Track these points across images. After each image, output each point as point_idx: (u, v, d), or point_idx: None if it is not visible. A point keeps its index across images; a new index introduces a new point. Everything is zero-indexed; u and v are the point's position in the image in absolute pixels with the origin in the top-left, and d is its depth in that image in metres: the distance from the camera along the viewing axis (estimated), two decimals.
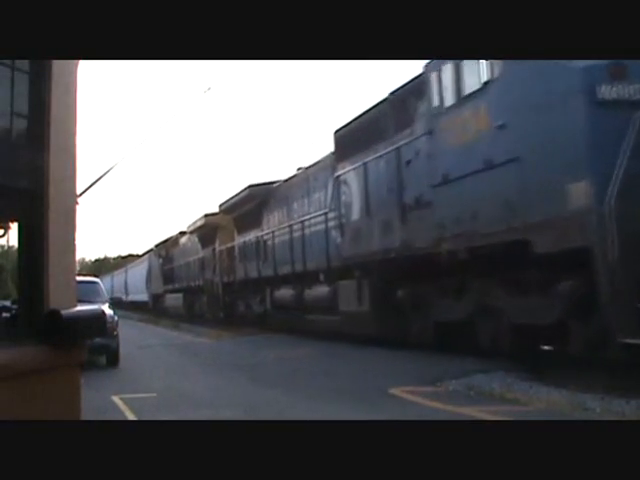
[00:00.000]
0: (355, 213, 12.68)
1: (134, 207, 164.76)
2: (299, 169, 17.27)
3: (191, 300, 28.79)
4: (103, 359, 11.46)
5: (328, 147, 14.96)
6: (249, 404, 6.99)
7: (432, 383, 7.93)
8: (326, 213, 14.23)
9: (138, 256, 48.84)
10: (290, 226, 16.53)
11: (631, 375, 6.59)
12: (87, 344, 1.96)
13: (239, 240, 21.65)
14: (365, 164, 12.06)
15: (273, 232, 17.95)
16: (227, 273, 22.83)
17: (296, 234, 16.09)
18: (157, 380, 9.56)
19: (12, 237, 1.95)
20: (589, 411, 5.94)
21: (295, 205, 16.69)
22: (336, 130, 13.86)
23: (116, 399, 7.59)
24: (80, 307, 1.91)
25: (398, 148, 10.74)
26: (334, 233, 13.80)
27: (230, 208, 22.37)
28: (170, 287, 32.83)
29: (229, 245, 22.81)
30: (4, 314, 1.93)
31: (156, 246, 38.01)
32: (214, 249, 24.71)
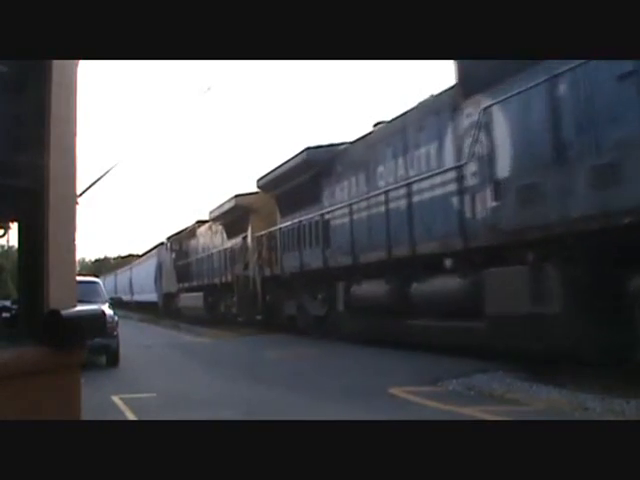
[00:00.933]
0: (528, 161, 7.97)
1: (134, 207, 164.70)
2: (377, 124, 12.96)
3: (215, 300, 24.32)
4: (103, 359, 11.46)
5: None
6: (249, 404, 7.00)
7: (432, 383, 7.93)
8: (460, 167, 9.43)
9: (138, 256, 47.58)
10: (384, 193, 11.65)
11: (631, 375, 6.59)
12: (87, 344, 1.96)
13: (285, 223, 16.78)
14: (551, 82, 7.47)
15: (350, 205, 12.97)
16: (268, 265, 18.03)
17: (394, 205, 11.33)
18: (157, 380, 9.57)
19: (12, 237, 1.95)
20: (589, 411, 5.95)
21: (381, 168, 12.06)
22: None
23: (116, 399, 7.59)
24: (80, 307, 1.91)
25: None
26: (476, 196, 9.05)
27: (273, 183, 17.40)
28: (186, 285, 28.28)
29: (271, 230, 17.89)
30: (4, 314, 1.93)
31: (168, 239, 32.98)
32: (245, 237, 20.27)
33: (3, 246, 2.17)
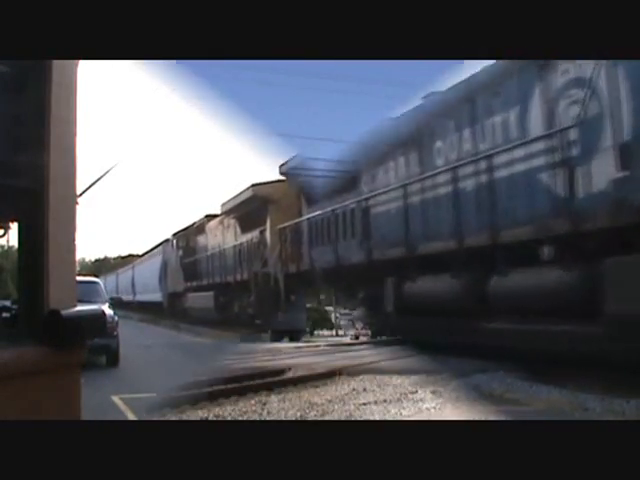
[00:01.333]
0: None
1: (134, 207, 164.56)
2: (428, 95, 11.15)
3: (227, 300, 22.30)
4: (103, 359, 11.47)
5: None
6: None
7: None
8: (563, 132, 7.54)
9: (139, 256, 47.09)
10: (451, 171, 9.73)
11: (631, 375, 6.58)
12: (87, 344, 1.97)
13: (314, 213, 14.79)
14: None
15: (403, 188, 10.98)
16: (293, 261, 16.14)
17: (464, 184, 9.45)
18: (157, 380, 9.57)
19: (12, 237, 1.95)
20: (589, 411, 5.95)
21: (439, 144, 10.27)
22: None
23: (116, 399, 7.60)
24: (80, 307, 1.91)
25: None
26: (589, 166, 7.17)
27: (300, 168, 15.31)
28: (194, 284, 26.52)
29: (296, 221, 16.03)
30: (4, 314, 1.93)
31: (174, 235, 30.92)
32: (263, 231, 18.52)
33: (3, 246, 2.16)
